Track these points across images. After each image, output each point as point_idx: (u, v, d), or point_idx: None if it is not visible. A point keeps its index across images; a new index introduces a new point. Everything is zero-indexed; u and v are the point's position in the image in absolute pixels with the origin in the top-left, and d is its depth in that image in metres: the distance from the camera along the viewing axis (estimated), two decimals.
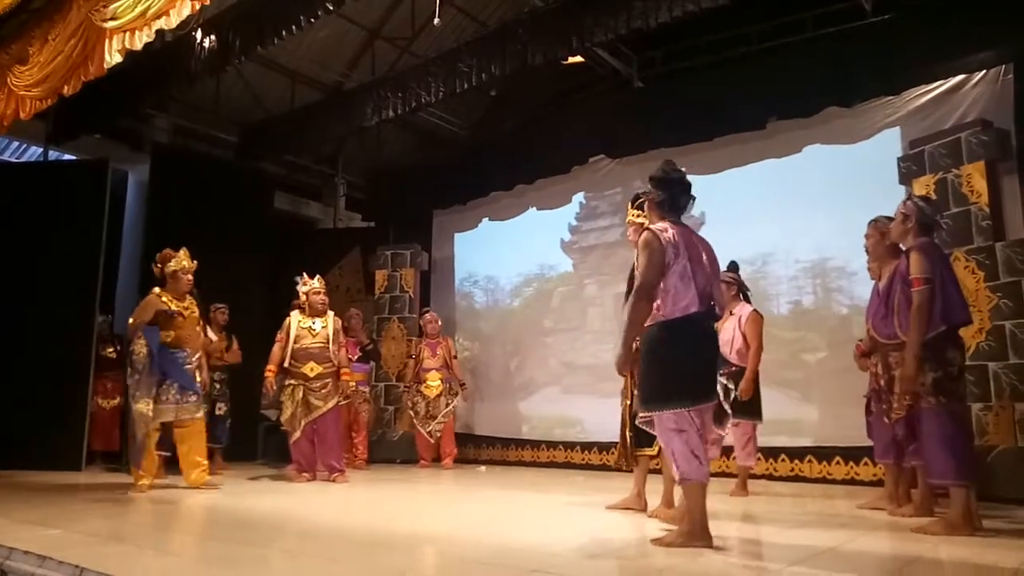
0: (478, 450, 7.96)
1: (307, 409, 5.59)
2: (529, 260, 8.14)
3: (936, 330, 3.34)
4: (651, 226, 3.10)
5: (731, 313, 4.91)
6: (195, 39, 6.19)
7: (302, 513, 4.16)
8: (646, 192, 3.27)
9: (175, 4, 4.52)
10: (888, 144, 5.69)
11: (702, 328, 3.00)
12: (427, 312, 7.62)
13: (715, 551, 2.89)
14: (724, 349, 4.77)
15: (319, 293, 5.83)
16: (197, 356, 5.20)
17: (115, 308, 7.65)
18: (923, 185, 5.08)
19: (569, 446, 7.35)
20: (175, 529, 3.91)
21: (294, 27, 5.76)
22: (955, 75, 5.41)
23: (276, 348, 5.72)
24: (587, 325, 7.56)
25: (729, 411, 4.74)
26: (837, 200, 5.79)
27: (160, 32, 4.85)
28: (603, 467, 6.85)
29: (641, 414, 3.19)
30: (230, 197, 7.98)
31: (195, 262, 5.16)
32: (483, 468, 7.27)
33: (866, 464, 5.33)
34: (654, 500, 3.90)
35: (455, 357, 7.53)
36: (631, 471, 4.11)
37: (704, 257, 3.06)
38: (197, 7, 4.54)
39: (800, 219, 6.11)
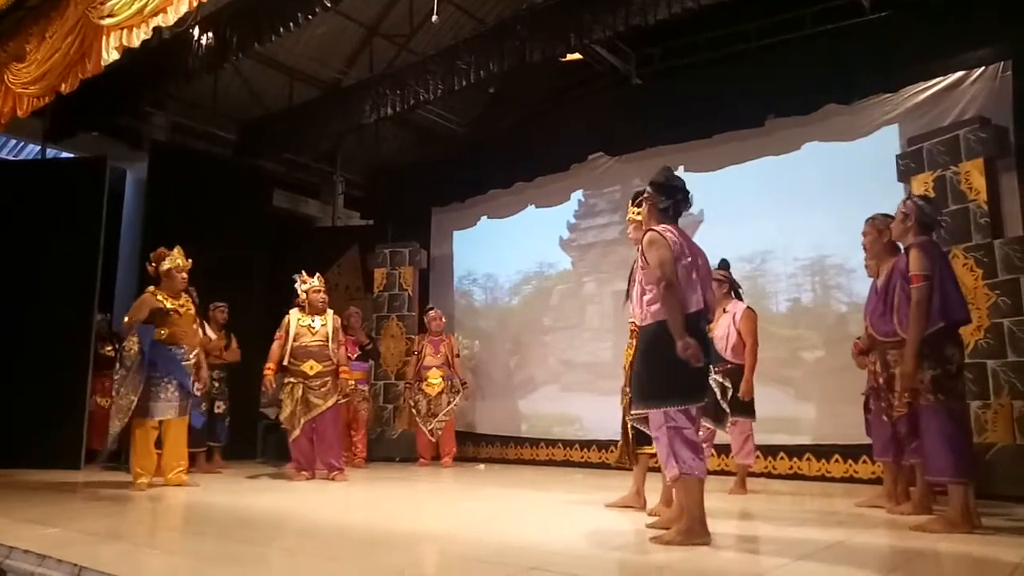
0: (477, 448, 7.96)
1: (306, 407, 5.59)
2: (528, 258, 8.13)
3: (935, 327, 3.34)
4: (654, 227, 3.14)
5: (724, 311, 4.91)
6: (193, 36, 6.17)
7: (301, 511, 4.16)
8: (647, 194, 3.26)
9: (172, 1, 4.52)
10: (886, 141, 5.69)
11: (699, 328, 3.04)
12: (431, 309, 7.61)
13: (714, 549, 2.89)
14: (719, 346, 4.78)
15: (319, 291, 5.82)
16: (195, 353, 5.21)
17: (114, 306, 7.63)
18: (921, 182, 5.08)
19: (568, 444, 7.35)
20: (174, 527, 3.91)
21: (292, 24, 5.74)
22: (953, 72, 5.41)
23: (275, 346, 5.71)
24: (586, 323, 7.56)
25: (727, 410, 4.75)
26: (835, 197, 5.79)
27: (157, 29, 4.84)
28: (602, 465, 6.85)
29: (638, 411, 3.20)
30: (228, 195, 7.97)
31: (189, 260, 5.16)
32: (482, 466, 7.27)
33: (865, 462, 5.34)
34: (653, 498, 3.90)
35: (458, 355, 7.51)
36: (631, 469, 4.11)
37: (700, 260, 3.14)
38: (194, 4, 4.53)
39: (799, 216, 6.11)
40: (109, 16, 4.79)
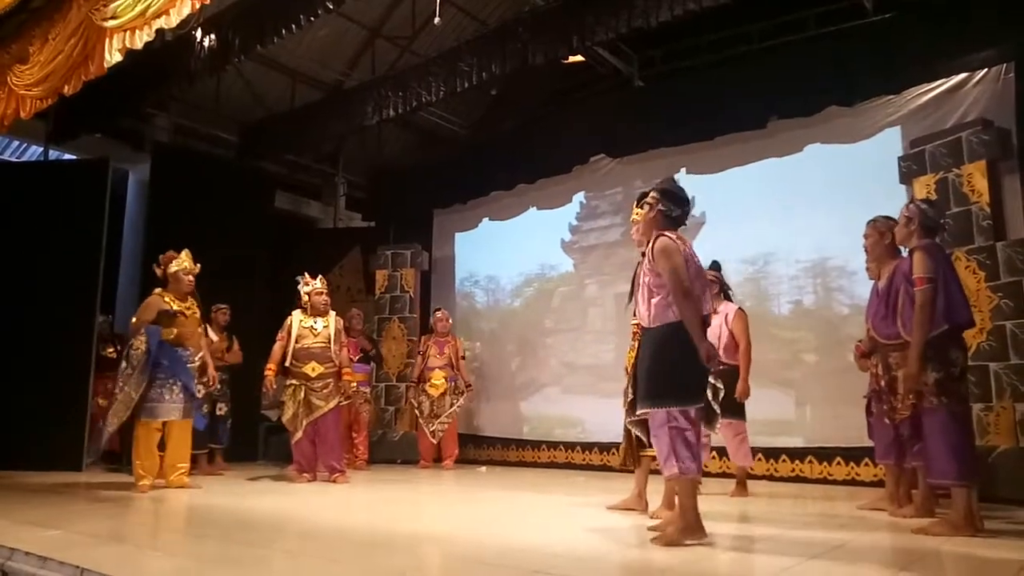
0: (479, 450, 7.96)
1: (308, 409, 5.59)
2: (530, 260, 8.13)
3: (939, 329, 3.33)
4: (664, 232, 3.19)
5: (715, 312, 4.91)
6: (195, 38, 6.18)
7: (303, 513, 4.16)
8: (655, 199, 3.27)
9: (175, 3, 4.52)
10: (889, 143, 5.69)
11: (706, 330, 3.11)
12: (438, 310, 7.60)
13: (717, 551, 2.89)
14: None
15: (321, 293, 5.83)
16: (200, 355, 5.23)
17: (115, 308, 7.64)
18: (924, 185, 5.08)
19: (570, 447, 7.34)
20: (176, 530, 3.91)
21: (294, 26, 5.75)
22: (956, 74, 5.40)
23: (277, 347, 5.72)
24: (588, 325, 7.56)
25: (718, 411, 4.74)
26: (838, 199, 5.78)
27: (160, 31, 4.84)
28: (604, 467, 6.85)
29: (642, 410, 3.22)
30: (230, 196, 7.97)
31: (198, 264, 5.19)
32: (484, 468, 7.26)
33: (867, 465, 5.33)
34: (655, 500, 3.90)
35: (463, 357, 7.48)
36: (634, 471, 4.11)
37: (698, 265, 3.24)
38: (197, 6, 4.53)
39: (801, 218, 6.10)
40: (112, 18, 4.79)
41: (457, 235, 8.84)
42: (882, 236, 3.93)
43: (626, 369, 3.93)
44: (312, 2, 5.61)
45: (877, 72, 5.60)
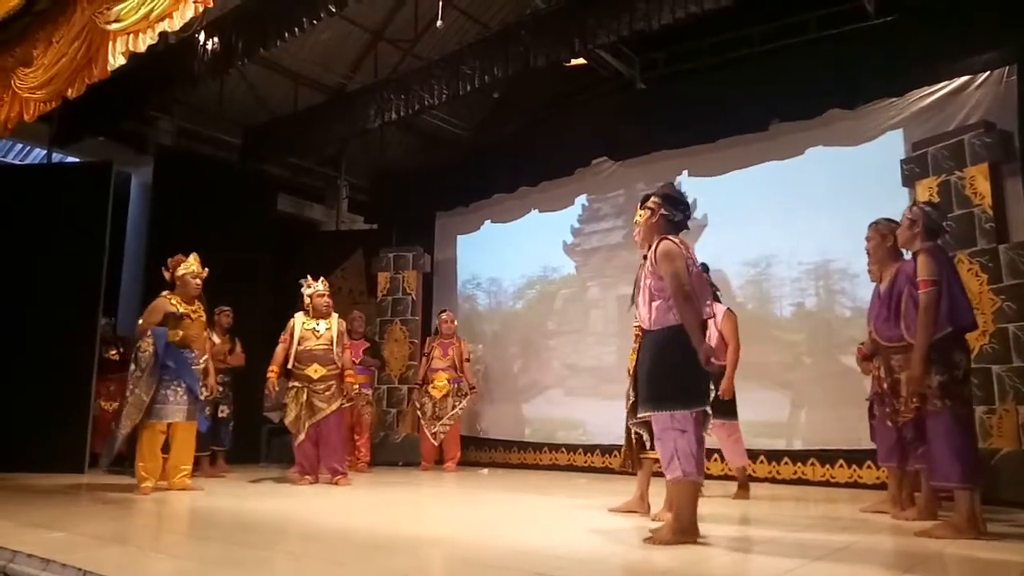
0: (480, 452, 7.96)
1: (310, 411, 5.59)
2: (532, 262, 8.14)
3: (943, 332, 3.33)
4: (667, 236, 3.22)
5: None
6: (198, 41, 6.21)
7: (305, 516, 4.16)
8: (656, 203, 3.29)
9: (178, 6, 4.53)
10: (891, 146, 5.69)
11: (705, 334, 3.15)
12: (444, 311, 7.60)
13: (719, 553, 2.89)
14: None
15: (323, 295, 5.83)
16: (204, 359, 5.24)
17: (118, 310, 7.65)
18: (926, 187, 5.08)
19: (572, 449, 7.34)
20: (178, 532, 3.91)
21: (297, 29, 5.78)
22: (958, 77, 5.40)
23: (279, 349, 5.72)
24: (590, 327, 7.56)
25: (710, 412, 4.74)
26: (840, 202, 5.79)
27: (163, 34, 4.85)
28: (605, 470, 6.85)
29: (644, 413, 3.23)
30: (233, 199, 7.99)
31: (206, 268, 5.21)
32: (486, 471, 7.26)
33: (869, 467, 5.32)
34: (657, 503, 3.89)
35: (467, 359, 7.43)
36: (635, 473, 4.11)
37: (698, 269, 3.27)
38: (200, 9, 4.54)
39: (803, 221, 6.11)
40: (116, 21, 4.80)
41: (459, 237, 8.85)
42: (884, 239, 3.92)
43: (628, 371, 3.92)
44: (315, 5, 5.63)
45: (879, 75, 5.61)
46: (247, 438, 7.46)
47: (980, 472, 3.37)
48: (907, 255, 3.81)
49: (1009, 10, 4.91)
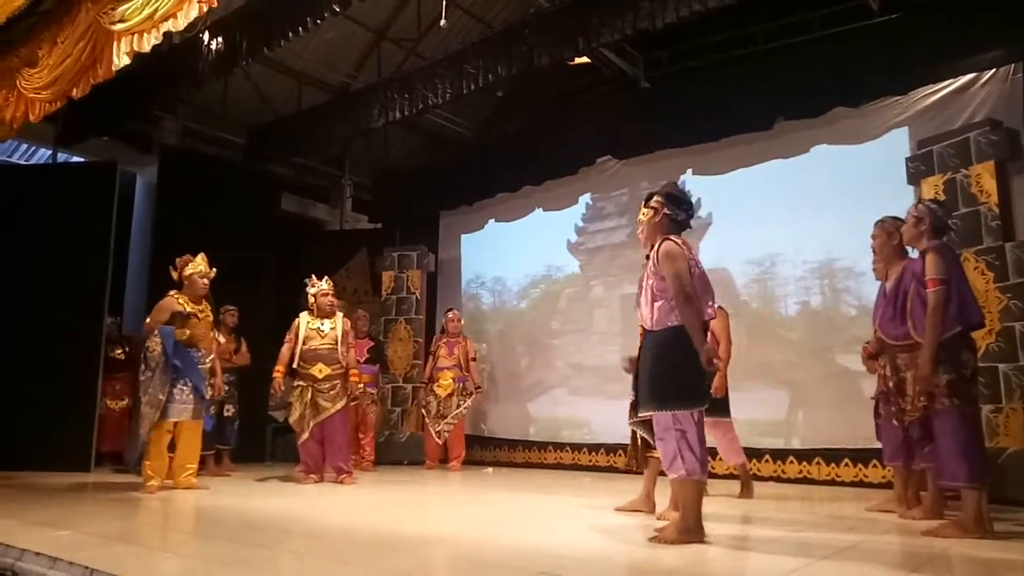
0: (485, 451, 7.96)
1: (315, 410, 5.61)
2: (536, 261, 8.13)
3: (951, 331, 3.32)
4: (669, 236, 3.22)
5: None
6: (203, 41, 6.21)
7: (310, 514, 4.17)
8: (659, 203, 3.28)
9: (183, 6, 4.53)
10: (896, 144, 5.67)
11: (707, 334, 3.16)
12: (450, 310, 7.59)
13: (725, 553, 2.89)
14: None
15: (327, 295, 5.84)
16: (211, 358, 5.26)
17: (123, 309, 7.67)
18: (932, 185, 5.06)
19: (576, 448, 7.34)
20: (184, 530, 3.92)
21: (301, 29, 5.78)
22: (963, 74, 5.38)
23: (284, 349, 5.74)
24: (594, 327, 7.55)
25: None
26: (845, 201, 5.77)
27: (168, 34, 4.86)
28: (610, 469, 6.84)
29: (645, 412, 3.24)
30: (237, 199, 8.00)
31: (213, 268, 5.23)
32: (490, 470, 7.26)
33: (875, 466, 5.31)
34: (662, 502, 3.89)
35: (473, 359, 7.40)
36: (641, 473, 4.11)
37: (700, 269, 3.27)
38: (204, 9, 4.54)
39: (807, 220, 6.09)
40: (120, 21, 4.81)
41: (463, 236, 8.85)
42: (890, 237, 3.92)
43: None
44: (318, 5, 5.63)
45: (884, 73, 5.58)
46: (252, 437, 7.47)
47: (987, 471, 3.36)
48: (913, 253, 3.80)
49: (1014, 7, 4.88)
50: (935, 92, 5.53)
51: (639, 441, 3.94)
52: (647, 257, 3.32)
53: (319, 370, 5.63)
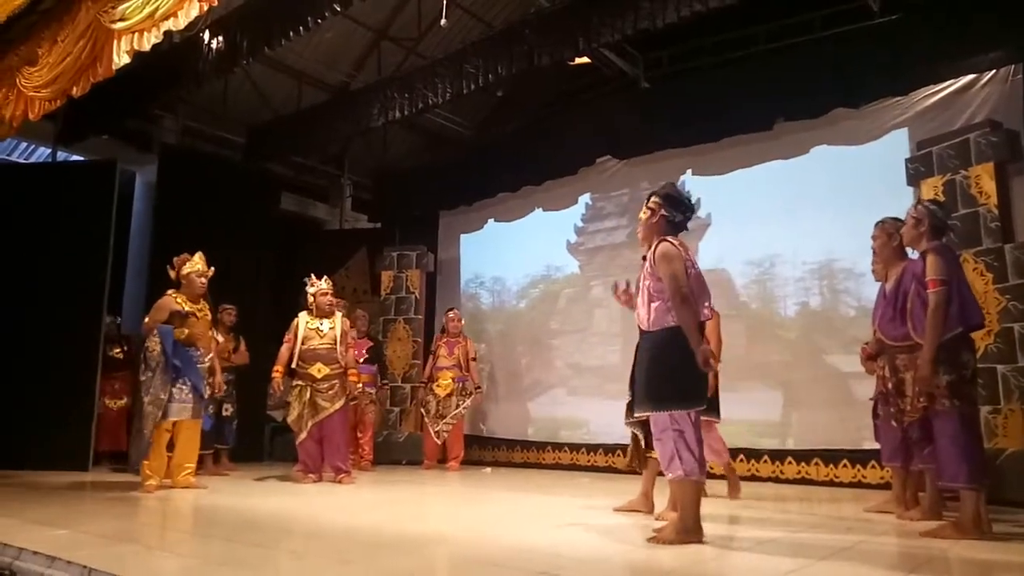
0: (484, 451, 7.95)
1: (314, 410, 5.60)
2: (535, 261, 8.13)
3: (952, 332, 3.32)
4: (666, 238, 3.22)
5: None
6: (203, 40, 6.21)
7: (308, 514, 4.17)
8: (656, 204, 3.28)
9: (183, 5, 4.53)
10: (896, 145, 5.67)
11: (703, 335, 3.15)
12: (451, 310, 7.58)
13: (723, 553, 2.89)
14: None
15: (326, 294, 5.84)
16: (210, 357, 5.26)
17: (122, 308, 7.67)
18: (931, 186, 5.06)
19: (575, 448, 7.34)
20: (182, 530, 3.92)
21: (301, 28, 5.77)
22: (963, 75, 5.38)
23: (283, 349, 5.74)
24: (593, 327, 7.55)
25: None
26: (844, 201, 5.77)
27: (168, 33, 4.86)
28: (609, 469, 6.84)
29: (641, 413, 3.25)
30: (237, 198, 8.00)
31: (211, 267, 5.22)
32: (489, 470, 7.26)
33: (873, 467, 5.31)
34: (661, 502, 3.89)
35: (474, 359, 7.39)
36: (641, 473, 4.11)
37: (697, 270, 3.27)
38: (205, 8, 4.55)
39: (807, 220, 6.09)
40: (120, 20, 4.81)
41: (462, 236, 8.85)
42: (890, 238, 3.92)
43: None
44: (319, 4, 5.63)
45: (883, 73, 5.58)
46: (251, 436, 7.47)
47: (986, 472, 3.37)
48: (912, 254, 3.80)
49: (1014, 9, 4.88)
50: (935, 93, 5.54)
51: (639, 441, 3.94)
52: (643, 258, 3.32)
53: (318, 370, 5.63)
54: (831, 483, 5.60)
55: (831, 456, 5.67)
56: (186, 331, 5.03)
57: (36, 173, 7.97)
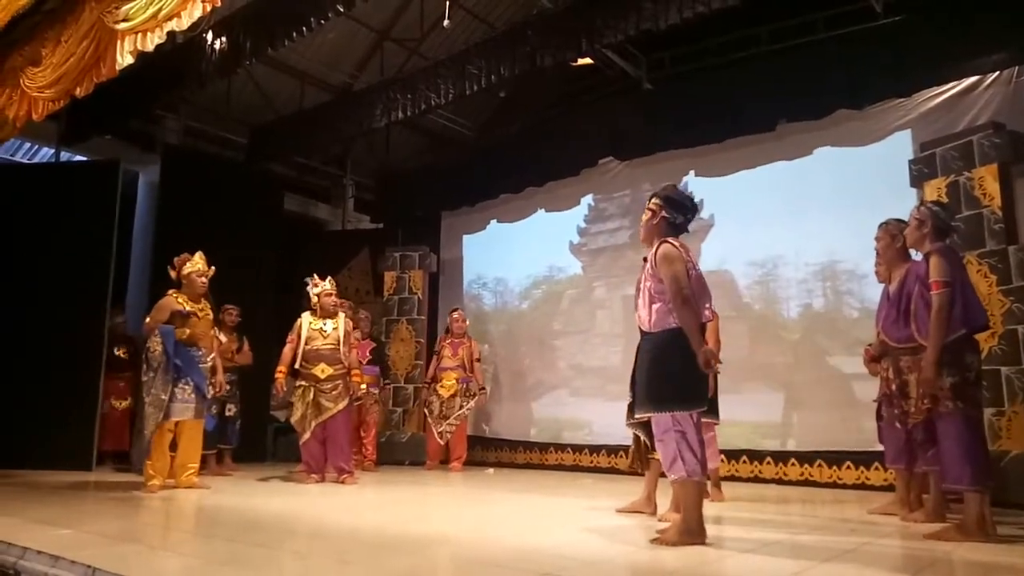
0: (486, 452, 7.95)
1: (317, 410, 5.61)
2: (538, 262, 8.13)
3: (956, 333, 3.31)
4: (667, 239, 3.22)
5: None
6: (206, 41, 6.22)
7: (311, 514, 4.17)
8: (657, 206, 3.29)
9: (186, 6, 4.54)
10: (899, 146, 5.67)
11: (704, 336, 3.16)
12: (455, 310, 7.58)
13: (726, 555, 2.88)
14: None
15: (330, 295, 5.85)
16: (212, 356, 5.26)
17: (126, 308, 7.68)
18: (935, 188, 5.05)
19: (577, 449, 7.33)
20: (185, 529, 3.93)
21: (304, 29, 5.77)
22: (967, 77, 5.37)
23: (287, 349, 5.74)
24: (596, 328, 7.54)
25: None
26: (847, 203, 5.76)
27: (171, 34, 4.86)
28: (611, 470, 6.84)
29: (642, 414, 3.25)
30: (239, 198, 8.01)
31: (212, 267, 5.23)
32: (491, 470, 7.25)
33: (877, 469, 5.30)
34: (664, 504, 3.89)
35: (478, 359, 7.39)
36: (643, 474, 4.11)
37: (698, 271, 3.27)
38: (208, 9, 4.55)
39: (810, 222, 6.08)
40: (124, 20, 4.82)
41: (465, 237, 8.85)
42: (894, 239, 3.91)
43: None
44: (322, 5, 5.63)
45: (887, 75, 5.58)
46: (254, 437, 7.47)
47: (990, 474, 3.36)
48: (916, 256, 3.80)
49: (1018, 10, 4.87)
50: (939, 94, 5.53)
51: (642, 442, 3.93)
52: (645, 259, 3.32)
53: (321, 370, 5.63)
54: (834, 485, 5.59)
55: (834, 458, 5.66)
56: (188, 331, 5.04)
57: (39, 173, 7.99)
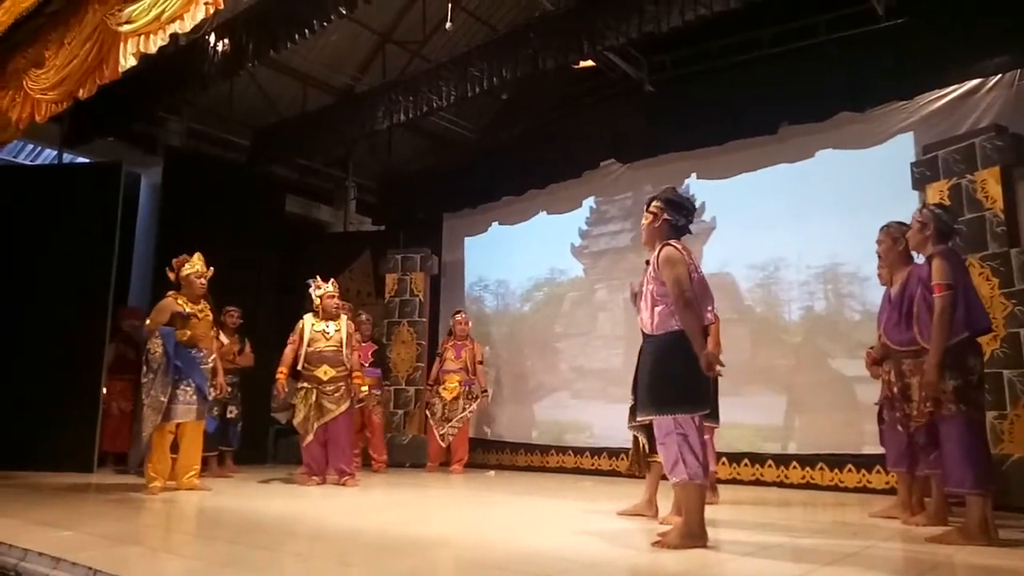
0: (487, 454, 7.95)
1: (319, 412, 5.61)
2: (539, 265, 8.13)
3: (959, 336, 3.30)
4: (670, 242, 3.22)
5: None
6: (209, 43, 6.23)
7: (313, 516, 4.17)
8: (658, 208, 3.28)
9: (189, 8, 4.54)
10: (901, 149, 5.66)
11: (706, 339, 3.15)
12: (458, 312, 7.59)
13: (728, 558, 2.88)
14: None
15: (333, 297, 5.85)
16: (213, 358, 5.27)
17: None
18: (937, 191, 5.05)
19: (579, 451, 7.33)
20: (186, 531, 3.93)
21: (306, 31, 5.79)
22: (969, 80, 5.37)
23: (288, 351, 5.74)
24: (597, 330, 7.54)
25: None
26: (849, 205, 5.76)
27: (174, 36, 4.87)
28: (612, 473, 6.83)
29: (644, 417, 3.24)
30: (242, 200, 8.02)
31: (211, 268, 5.23)
32: (492, 473, 7.25)
33: (878, 472, 5.29)
34: (665, 507, 3.88)
35: (480, 362, 7.39)
36: (643, 477, 4.10)
37: (700, 274, 3.26)
38: (211, 11, 4.56)
39: (812, 224, 6.08)
40: (127, 23, 4.83)
41: (467, 239, 8.85)
42: (896, 242, 3.91)
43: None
44: (324, 7, 5.65)
45: (889, 77, 5.58)
46: (255, 438, 7.48)
47: (992, 478, 3.35)
48: (918, 258, 3.79)
49: (1020, 13, 4.87)
50: (941, 97, 5.53)
51: (641, 445, 3.93)
52: (647, 262, 3.32)
53: (324, 372, 5.64)
54: (836, 488, 5.58)
55: (836, 461, 5.65)
56: (188, 332, 5.04)
57: (42, 175, 8.01)
